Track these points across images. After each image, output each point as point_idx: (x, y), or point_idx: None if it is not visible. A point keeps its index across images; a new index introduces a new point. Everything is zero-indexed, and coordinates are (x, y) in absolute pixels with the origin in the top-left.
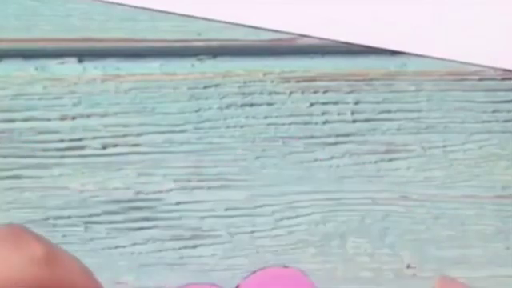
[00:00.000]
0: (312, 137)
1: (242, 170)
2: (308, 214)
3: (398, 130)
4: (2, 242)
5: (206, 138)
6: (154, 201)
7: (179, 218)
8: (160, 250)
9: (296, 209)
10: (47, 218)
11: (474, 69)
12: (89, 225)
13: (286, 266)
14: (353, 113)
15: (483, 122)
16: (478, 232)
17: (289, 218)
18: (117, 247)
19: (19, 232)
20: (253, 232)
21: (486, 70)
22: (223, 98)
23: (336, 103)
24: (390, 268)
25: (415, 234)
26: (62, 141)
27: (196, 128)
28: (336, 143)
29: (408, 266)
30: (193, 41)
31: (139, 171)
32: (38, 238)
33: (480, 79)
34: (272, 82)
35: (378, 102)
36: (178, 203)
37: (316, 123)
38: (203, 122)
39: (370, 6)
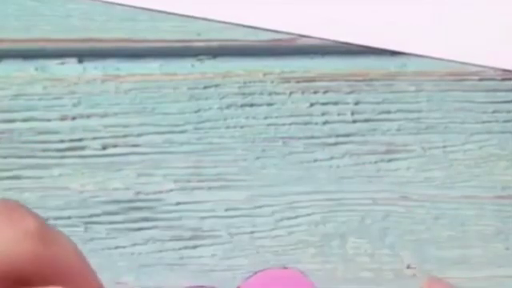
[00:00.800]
0: (312, 137)
1: (242, 171)
2: (308, 215)
3: (398, 130)
4: None
5: (205, 138)
6: (153, 201)
7: (179, 219)
8: (160, 251)
9: (296, 209)
10: (47, 219)
11: (474, 69)
12: (89, 225)
13: (285, 267)
14: (353, 113)
15: (483, 122)
16: (477, 232)
17: (289, 218)
18: (117, 247)
19: (13, 206)
20: (253, 232)
21: (485, 71)
22: (223, 98)
23: (336, 103)
24: (390, 268)
25: (415, 234)
26: (61, 141)
27: (196, 128)
28: (336, 143)
29: (408, 267)
30: (193, 41)
31: (139, 171)
32: (33, 214)
33: (480, 79)
34: (272, 82)
35: (378, 103)
36: (178, 203)
37: (316, 123)
38: (203, 122)
39: (370, 6)
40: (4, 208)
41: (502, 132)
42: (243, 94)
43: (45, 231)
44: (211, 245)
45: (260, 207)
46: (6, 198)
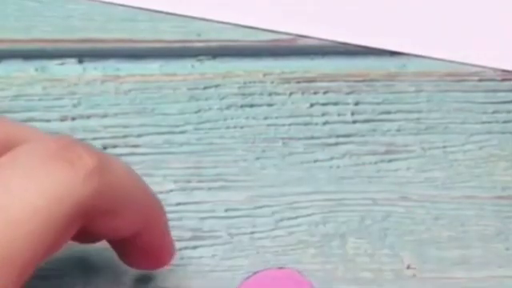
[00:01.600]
0: (312, 137)
1: (242, 171)
2: (308, 215)
3: (398, 130)
4: (53, 159)
5: (206, 138)
6: None
7: (179, 219)
8: None
9: (296, 209)
10: None
11: (473, 69)
12: None
13: (284, 267)
14: (353, 113)
15: (483, 122)
16: (477, 233)
17: (289, 218)
18: None
19: (67, 145)
20: (253, 233)
21: (485, 71)
22: (223, 98)
23: (336, 104)
24: (390, 269)
25: (415, 234)
26: None
27: (196, 129)
28: (336, 144)
29: (408, 267)
30: (192, 41)
31: (139, 172)
32: (88, 149)
33: (480, 80)
34: (272, 82)
35: (378, 103)
36: (178, 204)
37: (316, 124)
38: (203, 122)
39: (370, 6)
40: (60, 149)
41: (502, 132)
42: (243, 94)
43: (103, 165)
44: (211, 245)
45: (260, 208)
46: (58, 135)
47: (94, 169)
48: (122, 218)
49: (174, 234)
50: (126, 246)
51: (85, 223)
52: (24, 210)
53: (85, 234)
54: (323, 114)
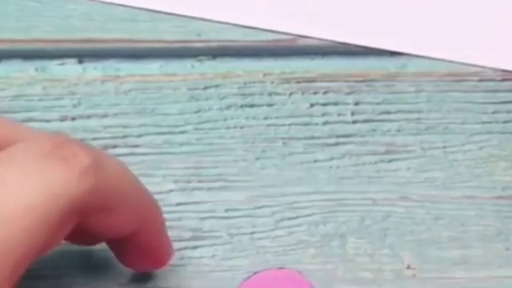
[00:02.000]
0: (312, 138)
1: (242, 171)
2: (308, 215)
3: (398, 130)
4: (48, 157)
5: (206, 138)
6: None
7: (179, 219)
8: None
9: (296, 209)
10: None
11: (473, 70)
12: None
13: (283, 267)
14: (353, 114)
15: (483, 122)
16: (477, 233)
17: (289, 218)
18: None
19: (62, 143)
20: (253, 233)
21: (485, 71)
22: (223, 98)
23: (336, 104)
24: (390, 269)
25: (415, 234)
26: None
27: (196, 129)
28: (336, 144)
29: (408, 267)
30: (192, 42)
31: (139, 172)
32: (84, 147)
33: (480, 80)
34: (272, 82)
35: (377, 103)
36: (178, 204)
37: (316, 124)
38: (203, 122)
39: (370, 6)
40: (55, 147)
41: (502, 132)
42: (243, 94)
43: (98, 163)
44: (211, 245)
45: (260, 208)
46: (54, 134)
47: (88, 166)
48: (117, 216)
49: (173, 234)
50: (123, 247)
51: (80, 221)
52: (19, 207)
53: (82, 235)
54: (323, 114)
